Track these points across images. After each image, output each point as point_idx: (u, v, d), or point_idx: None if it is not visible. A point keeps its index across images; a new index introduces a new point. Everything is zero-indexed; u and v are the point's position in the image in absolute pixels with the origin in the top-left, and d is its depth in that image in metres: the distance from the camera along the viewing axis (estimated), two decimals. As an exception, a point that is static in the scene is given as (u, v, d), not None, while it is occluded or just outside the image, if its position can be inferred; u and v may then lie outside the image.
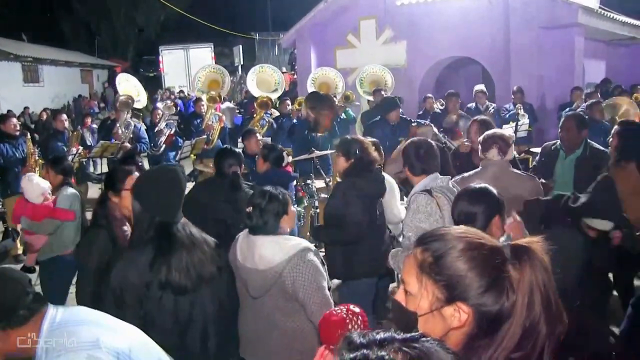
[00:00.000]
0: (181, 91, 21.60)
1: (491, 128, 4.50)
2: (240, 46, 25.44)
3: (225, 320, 2.91)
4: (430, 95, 10.91)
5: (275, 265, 2.87)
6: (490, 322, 1.31)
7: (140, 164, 5.38)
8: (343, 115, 9.68)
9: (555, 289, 1.35)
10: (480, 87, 10.29)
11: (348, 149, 4.07)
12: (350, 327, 2.45)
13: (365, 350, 0.96)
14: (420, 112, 10.41)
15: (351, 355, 0.97)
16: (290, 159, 6.38)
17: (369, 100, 10.49)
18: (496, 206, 2.66)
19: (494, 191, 2.71)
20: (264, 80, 10.24)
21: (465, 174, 4.02)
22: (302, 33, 14.79)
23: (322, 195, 6.72)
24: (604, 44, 13.81)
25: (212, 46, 26.62)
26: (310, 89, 10.25)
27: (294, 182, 6.44)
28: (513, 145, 4.02)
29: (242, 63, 24.39)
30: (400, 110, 7.87)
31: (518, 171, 4.05)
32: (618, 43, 14.04)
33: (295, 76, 17.91)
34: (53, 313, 1.98)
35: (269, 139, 8.09)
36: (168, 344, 2.31)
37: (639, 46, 14.41)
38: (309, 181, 6.99)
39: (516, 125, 8.80)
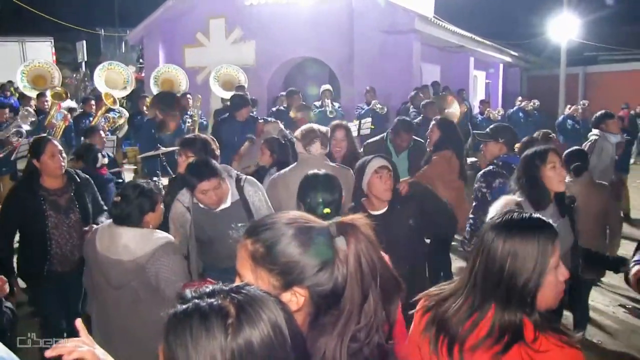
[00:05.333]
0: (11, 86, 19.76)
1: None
2: (84, 42, 23.81)
3: None
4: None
5: (138, 257, 2.92)
6: (326, 298, 1.35)
7: None
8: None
9: (383, 259, 1.44)
10: (327, 86, 10.63)
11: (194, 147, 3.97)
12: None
13: (196, 300, 1.05)
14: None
15: (184, 306, 1.04)
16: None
17: (222, 99, 10.51)
18: None
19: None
20: (113, 78, 9.84)
21: (285, 170, 4.09)
22: (150, 30, 14.37)
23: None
24: (437, 49, 15.02)
25: (53, 40, 24.63)
26: (153, 87, 10.07)
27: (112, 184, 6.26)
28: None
29: (86, 59, 22.93)
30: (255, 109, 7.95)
31: (333, 164, 4.15)
32: (450, 50, 15.36)
33: (142, 74, 17.32)
34: None
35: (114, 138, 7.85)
36: None
37: (467, 54, 15.93)
38: (155, 179, 6.85)
39: (359, 123, 9.18)
